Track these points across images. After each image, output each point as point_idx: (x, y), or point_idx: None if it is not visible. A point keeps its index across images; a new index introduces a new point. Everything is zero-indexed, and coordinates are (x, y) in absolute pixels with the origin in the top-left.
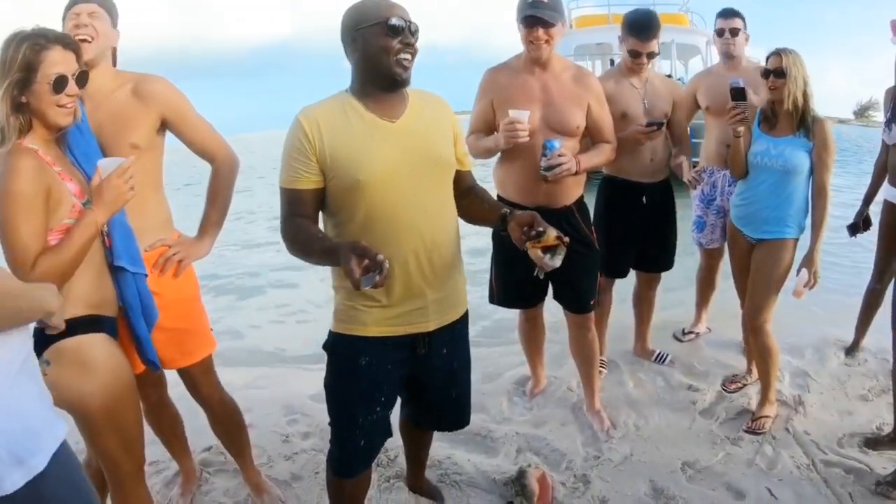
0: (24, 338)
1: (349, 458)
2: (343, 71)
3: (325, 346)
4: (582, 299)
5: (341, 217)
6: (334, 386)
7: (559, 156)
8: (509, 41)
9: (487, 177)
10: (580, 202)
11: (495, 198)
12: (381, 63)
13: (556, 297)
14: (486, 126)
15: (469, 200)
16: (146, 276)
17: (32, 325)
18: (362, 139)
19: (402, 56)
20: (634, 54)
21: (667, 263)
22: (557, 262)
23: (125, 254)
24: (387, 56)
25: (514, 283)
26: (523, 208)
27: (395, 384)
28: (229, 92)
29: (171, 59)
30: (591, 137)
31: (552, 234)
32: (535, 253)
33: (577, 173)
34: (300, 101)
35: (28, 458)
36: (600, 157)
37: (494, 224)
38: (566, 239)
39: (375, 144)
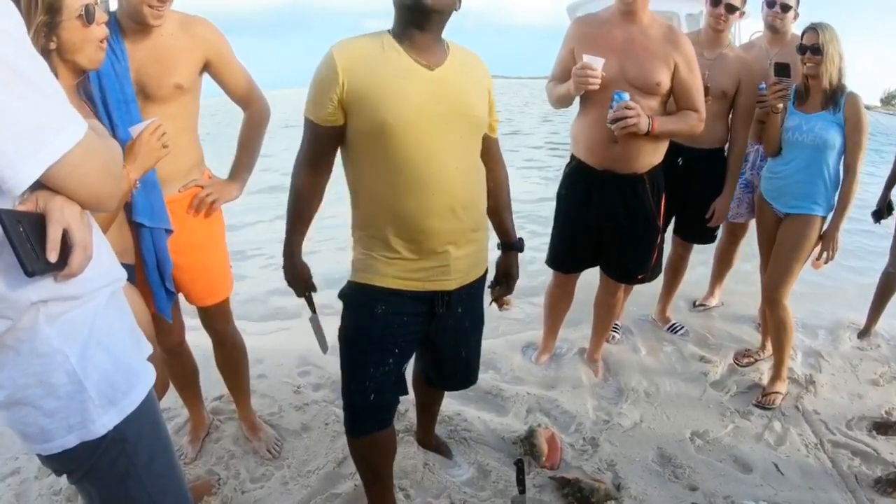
0: (109, 267)
1: (358, 412)
2: (364, 30)
3: (341, 294)
4: (624, 269)
5: (362, 162)
6: (347, 333)
7: (626, 108)
8: (533, 4)
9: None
10: (654, 172)
11: (570, 155)
12: None
13: (602, 264)
14: (566, 75)
15: (491, 196)
16: (167, 230)
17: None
18: (395, 80)
19: None
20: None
21: (702, 236)
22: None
23: (144, 210)
24: None
25: (569, 245)
26: (591, 169)
27: (409, 338)
28: (247, 51)
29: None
30: (676, 103)
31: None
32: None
33: (649, 133)
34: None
35: (120, 398)
36: (681, 123)
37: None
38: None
39: (408, 88)
